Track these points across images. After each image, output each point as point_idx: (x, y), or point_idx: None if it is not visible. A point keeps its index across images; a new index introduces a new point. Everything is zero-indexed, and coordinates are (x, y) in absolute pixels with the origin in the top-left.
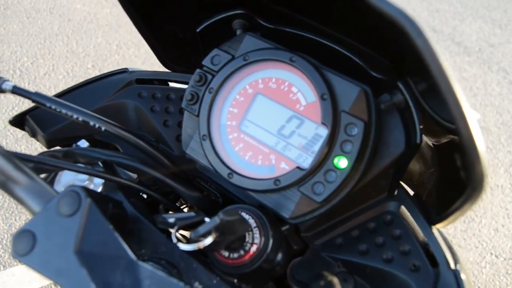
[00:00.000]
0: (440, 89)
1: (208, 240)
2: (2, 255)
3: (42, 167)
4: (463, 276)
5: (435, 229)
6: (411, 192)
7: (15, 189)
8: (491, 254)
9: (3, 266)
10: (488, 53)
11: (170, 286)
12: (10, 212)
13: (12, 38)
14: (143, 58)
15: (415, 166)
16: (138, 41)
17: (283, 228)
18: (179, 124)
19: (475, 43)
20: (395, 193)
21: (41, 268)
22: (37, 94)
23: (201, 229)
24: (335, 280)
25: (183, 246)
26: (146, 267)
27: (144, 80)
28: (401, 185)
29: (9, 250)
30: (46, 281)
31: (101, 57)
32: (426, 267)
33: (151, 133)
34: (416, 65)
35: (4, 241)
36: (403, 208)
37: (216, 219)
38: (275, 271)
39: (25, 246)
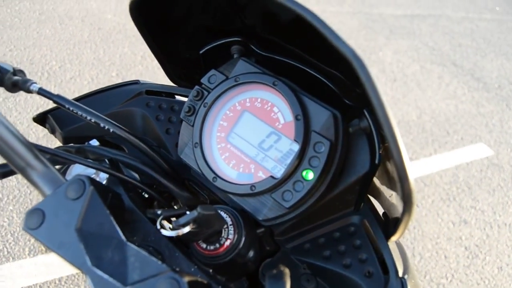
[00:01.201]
0: (377, 114)
1: (186, 229)
2: (13, 247)
3: (57, 159)
4: (409, 284)
5: (391, 241)
6: (381, 210)
7: (32, 174)
8: None
9: (12, 258)
10: (507, 91)
11: (151, 264)
12: (25, 207)
13: (44, 42)
14: None
15: (386, 191)
16: None
17: (258, 231)
18: (180, 133)
19: (495, 80)
20: (361, 207)
21: (47, 241)
22: (58, 96)
23: (181, 220)
24: (286, 270)
25: (165, 232)
26: (133, 247)
27: (153, 91)
28: (367, 201)
29: (20, 243)
30: (52, 276)
31: (125, 67)
32: (379, 274)
33: (155, 139)
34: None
35: (16, 234)
36: (365, 222)
37: (195, 212)
38: (247, 266)
39: (35, 221)
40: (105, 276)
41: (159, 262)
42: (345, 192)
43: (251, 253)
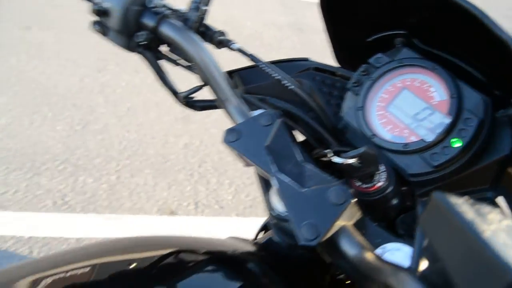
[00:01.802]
0: None
1: (352, 161)
2: (144, 204)
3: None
4: None
5: None
6: None
7: (230, 106)
8: None
9: (143, 212)
10: None
11: (324, 177)
12: (159, 173)
13: None
14: None
15: None
16: None
17: (402, 188)
18: (337, 105)
19: None
20: (496, 186)
21: (242, 150)
22: (252, 55)
23: (351, 152)
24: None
25: (335, 159)
26: (308, 165)
27: (319, 69)
28: (504, 181)
29: (150, 202)
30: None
31: None
32: None
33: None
34: None
35: (149, 193)
36: (499, 198)
37: (361, 149)
38: (387, 213)
39: (233, 137)
40: (287, 179)
41: (331, 177)
42: (484, 169)
43: (394, 201)
